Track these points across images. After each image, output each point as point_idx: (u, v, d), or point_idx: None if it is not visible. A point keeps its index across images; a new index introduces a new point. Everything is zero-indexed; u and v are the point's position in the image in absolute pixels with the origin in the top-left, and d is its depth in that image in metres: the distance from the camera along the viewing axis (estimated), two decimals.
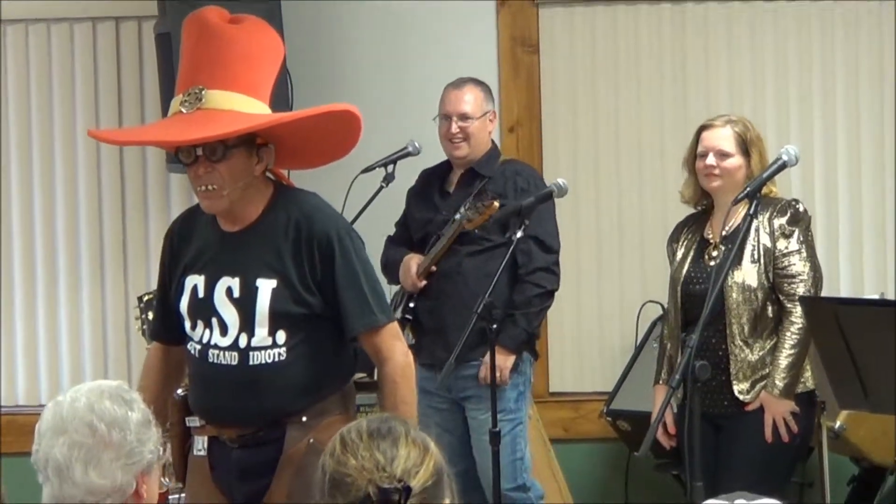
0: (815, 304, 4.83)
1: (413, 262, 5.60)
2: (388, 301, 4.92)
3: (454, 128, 5.61)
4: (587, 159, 6.56)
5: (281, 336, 3.71)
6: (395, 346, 3.79)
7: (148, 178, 6.73)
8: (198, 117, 3.81)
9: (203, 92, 3.81)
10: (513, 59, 6.61)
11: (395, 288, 5.88)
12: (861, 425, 5.72)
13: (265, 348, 3.70)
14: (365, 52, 6.74)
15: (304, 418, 3.71)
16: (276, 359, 3.67)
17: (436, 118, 5.67)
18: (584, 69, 6.63)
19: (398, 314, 5.65)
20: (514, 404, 5.49)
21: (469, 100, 5.65)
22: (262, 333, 3.70)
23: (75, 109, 6.40)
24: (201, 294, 3.78)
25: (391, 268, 5.73)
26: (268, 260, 3.79)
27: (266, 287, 3.75)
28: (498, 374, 5.42)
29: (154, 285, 4.84)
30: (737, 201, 4.65)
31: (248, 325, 3.73)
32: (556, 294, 5.84)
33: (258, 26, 4.11)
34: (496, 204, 5.37)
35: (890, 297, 6.23)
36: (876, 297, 6.10)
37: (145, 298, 5.42)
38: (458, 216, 5.55)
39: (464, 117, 5.61)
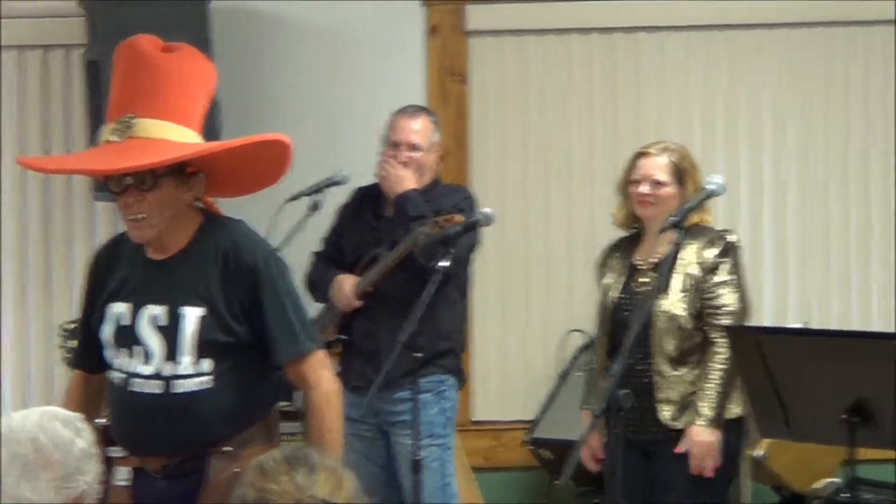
0: (739, 333, 4.86)
1: (347, 282, 5.52)
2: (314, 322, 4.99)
3: (402, 157, 5.58)
4: (516, 188, 6.59)
5: (207, 364, 3.71)
6: (322, 373, 3.78)
7: (74, 206, 6.71)
8: (128, 146, 3.80)
9: (134, 120, 3.81)
10: (442, 89, 6.66)
11: (320, 307, 5.80)
12: (783, 454, 5.83)
13: (190, 377, 3.71)
14: (293, 80, 6.75)
15: (229, 448, 3.70)
16: (202, 387, 3.69)
17: (384, 149, 5.57)
18: (513, 99, 6.67)
19: (331, 336, 5.68)
20: (441, 429, 5.46)
21: (420, 130, 5.64)
22: (187, 362, 3.72)
23: (1, 137, 6.36)
24: (126, 322, 3.79)
25: (320, 286, 5.68)
26: (195, 288, 3.82)
27: (192, 315, 3.78)
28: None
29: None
30: (663, 230, 4.68)
31: (172, 353, 3.76)
32: (481, 322, 6.20)
33: (191, 55, 4.12)
34: (458, 217, 5.33)
35: (813, 326, 6.32)
36: (799, 325, 6.21)
37: (69, 327, 5.37)
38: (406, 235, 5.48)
39: (413, 147, 5.56)
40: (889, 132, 6.78)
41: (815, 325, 6.42)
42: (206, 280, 3.84)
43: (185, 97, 4.01)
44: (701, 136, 6.40)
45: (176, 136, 3.88)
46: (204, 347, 3.77)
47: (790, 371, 4.77)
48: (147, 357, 3.79)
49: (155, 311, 3.85)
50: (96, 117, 5.99)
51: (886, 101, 6.77)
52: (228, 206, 5.32)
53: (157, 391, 3.69)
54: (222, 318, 3.76)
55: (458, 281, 5.54)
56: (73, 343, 5.01)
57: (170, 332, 3.77)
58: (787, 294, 6.55)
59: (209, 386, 3.69)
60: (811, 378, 4.76)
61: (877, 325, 6.44)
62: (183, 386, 3.68)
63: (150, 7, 6.20)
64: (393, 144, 5.51)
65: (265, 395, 3.82)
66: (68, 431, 2.89)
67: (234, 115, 6.24)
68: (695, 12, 6.63)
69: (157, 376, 3.72)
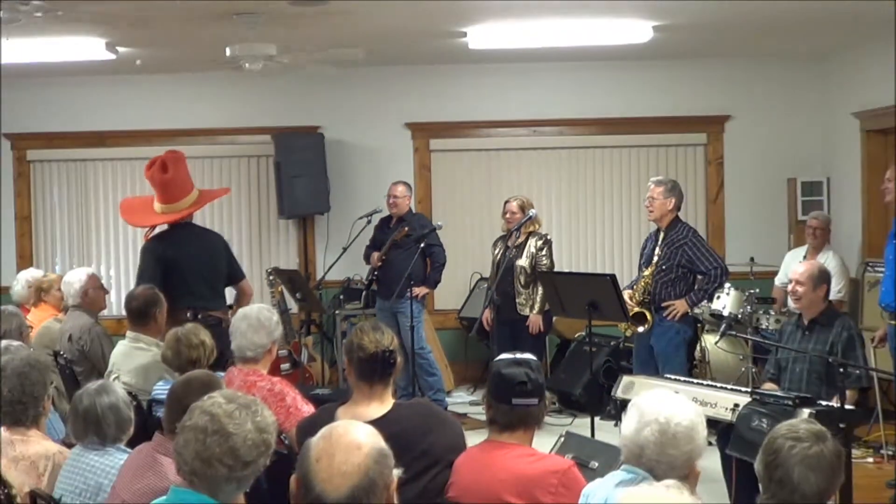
0: (545, 274, 7.98)
1: (375, 254, 9.00)
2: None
3: (391, 201, 9.01)
4: (454, 218, 10.36)
5: None
6: None
7: None
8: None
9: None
10: (420, 172, 10.51)
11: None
12: (560, 322, 9.48)
13: None
14: (365, 174, 10.41)
15: None
16: None
17: (385, 196, 9.00)
18: (453, 180, 10.53)
19: (371, 276, 9.22)
20: (417, 314, 8.81)
21: (400, 190, 9.06)
22: None
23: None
24: None
25: (367, 256, 9.20)
26: None
27: None
28: (421, 293, 8.76)
29: None
30: (508, 234, 8.21)
31: None
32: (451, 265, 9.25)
33: (173, 160, 7.19)
34: (406, 229, 8.72)
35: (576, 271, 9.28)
36: (568, 271, 9.46)
37: None
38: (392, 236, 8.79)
39: (395, 196, 9.00)
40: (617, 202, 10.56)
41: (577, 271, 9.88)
42: None
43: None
44: (537, 195, 10.11)
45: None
46: None
47: (566, 287, 7.40)
48: None
49: None
50: (279, 185, 10.21)
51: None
52: (337, 220, 9.89)
53: None
54: None
55: (428, 254, 8.92)
56: None
57: None
58: (564, 260, 10.26)
59: None
60: (573, 290, 7.30)
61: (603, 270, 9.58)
62: None
63: (300, 138, 10.25)
64: (389, 195, 8.91)
65: None
66: (269, 313, 5.12)
67: (336, 190, 10.35)
68: (537, 143, 10.47)
69: None
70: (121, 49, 8.74)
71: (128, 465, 3.79)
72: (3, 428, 4.19)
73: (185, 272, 7.17)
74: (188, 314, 6.67)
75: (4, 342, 4.66)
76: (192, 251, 7.25)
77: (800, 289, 6.25)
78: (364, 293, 9.97)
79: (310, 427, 3.38)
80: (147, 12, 7.18)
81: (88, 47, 8.44)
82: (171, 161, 7.26)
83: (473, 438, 4.10)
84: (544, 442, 4.38)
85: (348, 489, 2.28)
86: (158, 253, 7.20)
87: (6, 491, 3.48)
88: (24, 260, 10.57)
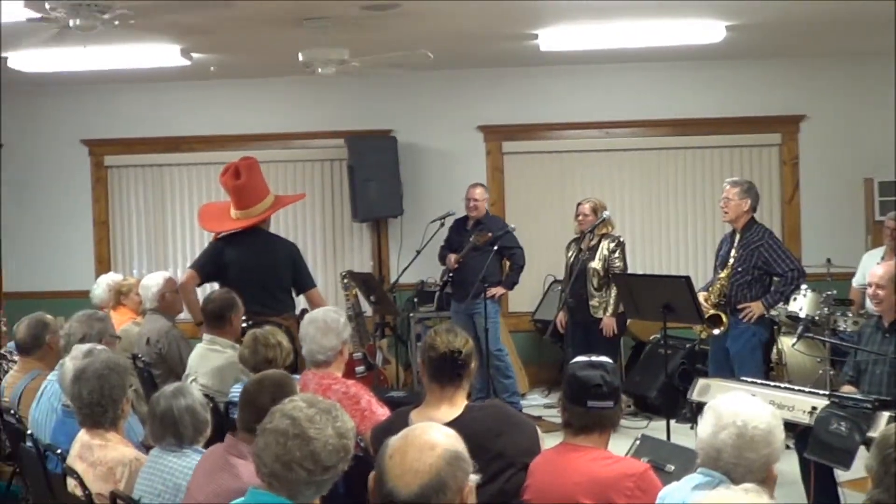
0: (618, 275, 8.05)
1: (452, 257, 9.07)
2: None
3: (471, 204, 9.08)
4: (527, 218, 10.42)
5: None
6: None
7: None
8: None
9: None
10: (493, 175, 10.70)
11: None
12: (634, 324, 9.33)
13: None
14: (437, 176, 10.54)
15: None
16: None
17: (464, 199, 9.05)
18: (524, 181, 10.67)
19: (446, 278, 9.22)
20: (493, 315, 8.85)
21: (479, 192, 9.14)
22: None
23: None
24: None
25: (442, 258, 9.28)
26: None
27: None
28: (497, 293, 8.78)
29: None
30: (583, 236, 8.26)
31: None
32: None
33: (247, 167, 7.39)
34: (489, 234, 8.81)
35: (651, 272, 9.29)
36: (642, 273, 9.34)
37: None
38: (472, 238, 8.84)
39: (475, 199, 9.11)
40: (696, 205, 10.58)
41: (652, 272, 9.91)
42: None
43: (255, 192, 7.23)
44: (609, 197, 10.07)
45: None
46: None
47: (640, 289, 7.35)
48: None
49: None
50: (352, 189, 10.35)
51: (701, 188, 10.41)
52: (405, 221, 10.03)
53: None
54: None
55: (503, 254, 8.92)
56: None
57: None
58: (637, 262, 10.32)
59: None
60: (647, 292, 7.23)
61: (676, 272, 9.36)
62: None
63: (373, 142, 10.34)
64: (468, 198, 9.06)
65: None
66: (339, 315, 5.12)
67: (410, 193, 10.51)
68: (609, 145, 10.64)
69: None
70: (195, 55, 8.98)
71: (200, 467, 3.86)
72: (82, 430, 4.34)
73: (240, 276, 7.28)
74: None
75: (87, 345, 4.79)
76: (251, 256, 7.37)
77: (881, 292, 6.18)
78: (437, 295, 10.06)
79: (384, 431, 3.48)
80: (220, 18, 7.40)
81: (164, 54, 8.69)
82: (244, 167, 7.43)
83: (548, 441, 4.16)
84: (620, 445, 4.41)
85: (418, 487, 2.30)
86: (218, 250, 7.45)
87: (87, 492, 3.58)
88: (102, 264, 10.85)
